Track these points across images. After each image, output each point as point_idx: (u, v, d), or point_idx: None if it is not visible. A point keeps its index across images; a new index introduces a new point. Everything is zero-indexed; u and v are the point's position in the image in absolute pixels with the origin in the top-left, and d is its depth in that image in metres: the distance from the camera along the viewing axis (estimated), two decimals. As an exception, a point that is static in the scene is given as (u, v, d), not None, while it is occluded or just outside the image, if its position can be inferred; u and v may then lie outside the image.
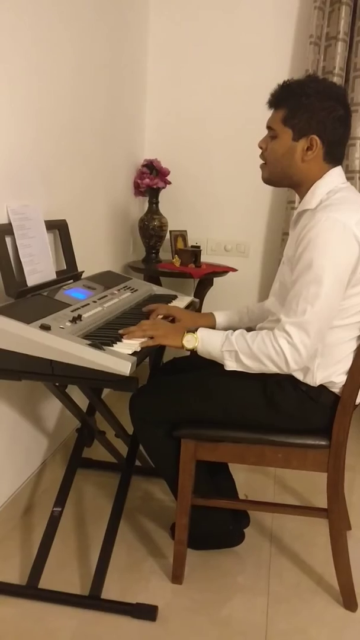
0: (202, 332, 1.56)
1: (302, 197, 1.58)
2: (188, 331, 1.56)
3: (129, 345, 1.46)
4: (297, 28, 2.98)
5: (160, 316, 1.75)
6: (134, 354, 1.41)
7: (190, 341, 1.55)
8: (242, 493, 2.02)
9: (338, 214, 1.40)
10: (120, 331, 1.52)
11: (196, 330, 1.57)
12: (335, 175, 1.54)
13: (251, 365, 1.49)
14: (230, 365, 1.52)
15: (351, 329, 1.51)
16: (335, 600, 1.69)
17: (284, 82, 1.54)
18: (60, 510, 1.79)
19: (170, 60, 3.17)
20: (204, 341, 1.55)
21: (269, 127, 1.57)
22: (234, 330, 1.54)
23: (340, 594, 1.68)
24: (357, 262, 1.41)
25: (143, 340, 1.50)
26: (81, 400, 1.91)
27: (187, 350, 1.56)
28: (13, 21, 1.69)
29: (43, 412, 2.18)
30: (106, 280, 2.05)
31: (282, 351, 1.44)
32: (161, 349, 2.08)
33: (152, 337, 1.52)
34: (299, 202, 1.61)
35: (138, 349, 1.45)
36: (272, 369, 1.48)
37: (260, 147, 1.60)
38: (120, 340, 1.48)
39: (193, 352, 1.57)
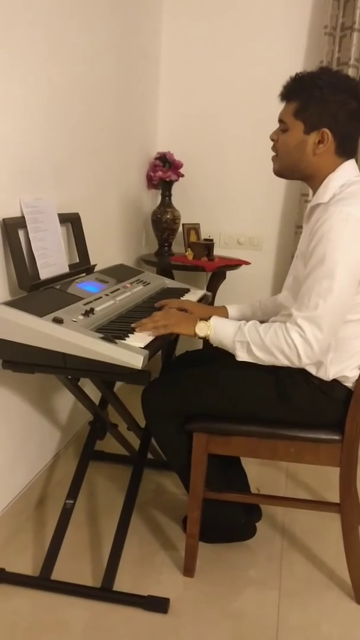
0: (215, 321, 1.56)
1: (314, 190, 1.57)
2: (201, 319, 1.56)
3: (141, 338, 1.46)
4: (312, 18, 2.95)
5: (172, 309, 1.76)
6: (146, 347, 1.42)
7: (202, 329, 1.55)
8: (254, 487, 2.02)
9: (351, 207, 1.39)
10: (133, 324, 1.52)
11: (209, 318, 1.56)
12: (349, 169, 1.53)
13: (262, 357, 1.49)
14: (242, 356, 1.51)
15: (364, 324, 1.50)
16: (347, 595, 1.69)
17: (296, 74, 1.53)
18: (72, 503, 1.80)
19: (183, 52, 3.15)
20: (216, 329, 1.54)
21: (280, 120, 1.56)
22: (247, 321, 1.54)
23: (352, 589, 1.67)
24: (370, 256, 1.40)
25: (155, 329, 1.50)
26: (94, 393, 1.92)
27: (200, 337, 1.55)
28: (27, 15, 1.69)
29: (56, 405, 2.19)
30: (119, 274, 2.05)
31: (295, 345, 1.43)
32: (174, 342, 2.08)
33: (164, 326, 1.52)
34: (312, 196, 1.60)
35: (151, 338, 1.45)
36: (283, 362, 1.47)
37: (272, 140, 1.60)
38: (133, 334, 1.48)
39: (205, 341, 1.56)
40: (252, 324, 1.52)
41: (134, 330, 1.50)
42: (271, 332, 1.47)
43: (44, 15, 1.79)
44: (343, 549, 1.64)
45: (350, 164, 1.53)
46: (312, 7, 2.94)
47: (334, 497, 1.65)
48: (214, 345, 1.57)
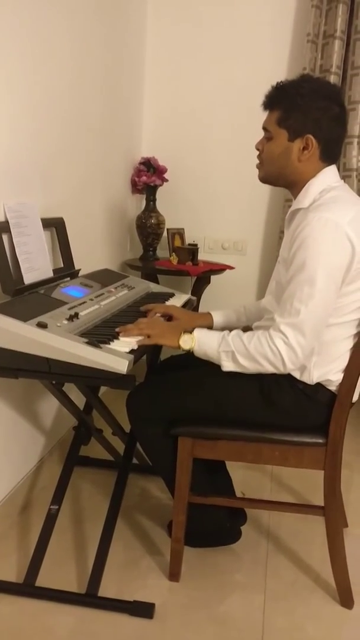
0: (199, 333, 1.56)
1: (295, 196, 1.58)
2: (185, 332, 1.56)
3: (125, 343, 1.46)
4: (295, 26, 2.98)
5: (157, 315, 1.76)
6: (131, 352, 1.42)
7: (187, 342, 1.55)
8: (239, 491, 2.02)
9: (330, 213, 1.40)
10: (117, 329, 1.52)
11: (193, 330, 1.57)
12: (329, 174, 1.54)
13: (248, 366, 1.49)
14: (227, 365, 1.52)
15: (348, 327, 1.51)
16: (332, 598, 1.70)
17: (278, 83, 1.54)
18: (57, 508, 1.79)
19: (168, 57, 3.16)
20: (200, 342, 1.55)
21: (264, 129, 1.57)
22: (230, 331, 1.54)
23: (337, 592, 1.68)
24: (350, 260, 1.41)
25: (140, 338, 1.50)
26: (78, 398, 1.91)
27: (184, 350, 1.56)
28: (11, 18, 1.69)
29: (40, 410, 2.18)
30: (103, 278, 2.04)
31: (279, 351, 1.44)
32: (158, 347, 2.07)
33: (148, 336, 1.52)
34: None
35: (135, 347, 1.45)
36: (269, 369, 1.48)
37: (257, 149, 1.61)
38: (117, 338, 1.48)
39: (189, 352, 1.57)
40: (236, 333, 1.53)
41: (119, 335, 1.50)
42: (255, 340, 1.48)
43: (29, 20, 1.79)
44: (328, 552, 1.65)
45: (331, 169, 1.55)
46: (295, 15, 2.97)
47: (319, 500, 1.66)
48: (199, 357, 1.57)
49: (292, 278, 1.44)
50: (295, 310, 1.42)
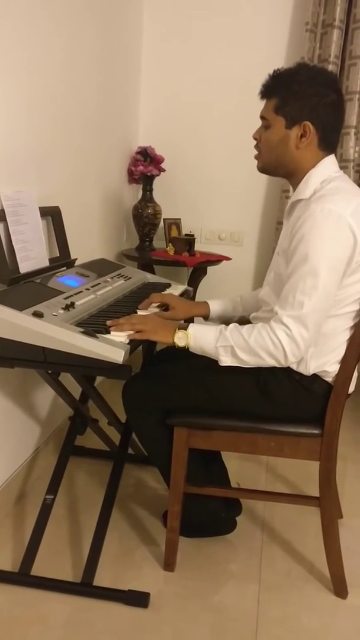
0: (194, 329, 1.52)
1: (295, 186, 1.57)
2: (179, 328, 1.53)
3: (117, 336, 1.44)
4: (293, 14, 2.96)
5: (155, 304, 1.75)
6: (128, 341, 1.41)
7: (182, 338, 1.51)
8: (234, 481, 2.03)
9: (332, 204, 1.39)
10: (108, 322, 1.48)
11: (187, 326, 1.54)
12: (329, 164, 1.53)
13: (248, 360, 1.47)
14: (225, 360, 1.49)
15: (346, 319, 1.51)
16: (326, 588, 1.71)
17: (274, 71, 1.53)
18: (52, 498, 1.79)
19: (165, 46, 3.14)
20: (196, 337, 1.51)
21: (262, 117, 1.56)
22: (227, 325, 1.53)
23: (331, 582, 1.69)
24: (352, 252, 1.40)
25: (131, 332, 1.47)
26: (74, 388, 1.90)
27: (178, 347, 1.52)
28: (8, 9, 1.67)
29: (36, 399, 2.17)
30: (99, 268, 2.04)
31: (281, 344, 1.42)
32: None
33: (140, 331, 1.49)
34: (292, 192, 1.60)
35: (126, 342, 1.42)
36: (269, 362, 1.46)
37: (255, 139, 1.60)
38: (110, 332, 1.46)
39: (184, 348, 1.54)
40: (234, 327, 1.51)
41: (110, 329, 1.46)
42: (255, 333, 1.46)
43: (24, 10, 1.77)
44: (322, 543, 1.65)
45: (330, 159, 1.54)
46: (294, 3, 2.95)
47: (314, 491, 1.66)
48: (195, 353, 1.54)
49: (294, 270, 1.42)
50: (298, 302, 1.41)
